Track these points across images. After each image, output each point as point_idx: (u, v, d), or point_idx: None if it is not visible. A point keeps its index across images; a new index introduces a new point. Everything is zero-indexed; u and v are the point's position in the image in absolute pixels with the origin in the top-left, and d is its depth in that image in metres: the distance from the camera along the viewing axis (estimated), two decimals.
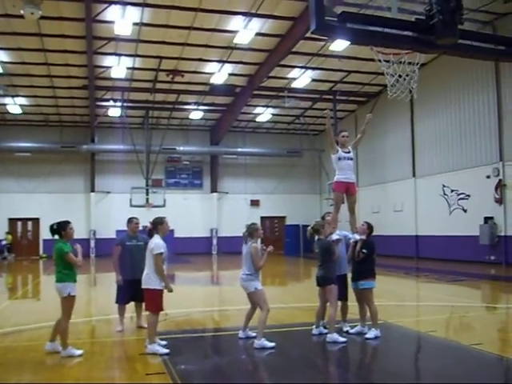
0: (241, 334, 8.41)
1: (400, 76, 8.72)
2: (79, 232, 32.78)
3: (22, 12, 17.69)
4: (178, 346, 8.00)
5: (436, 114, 25.73)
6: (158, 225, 7.87)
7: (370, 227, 8.78)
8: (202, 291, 16.49)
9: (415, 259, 26.52)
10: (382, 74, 10.30)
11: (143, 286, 7.75)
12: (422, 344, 8.68)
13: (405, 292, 15.66)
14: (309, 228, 8.66)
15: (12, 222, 33.51)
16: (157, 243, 7.69)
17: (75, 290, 7.55)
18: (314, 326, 8.64)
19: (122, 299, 9.23)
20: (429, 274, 19.93)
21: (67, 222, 7.69)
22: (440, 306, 12.14)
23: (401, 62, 9.05)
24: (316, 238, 8.53)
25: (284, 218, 37.20)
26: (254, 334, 8.11)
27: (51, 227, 7.68)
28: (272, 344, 7.71)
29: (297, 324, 9.56)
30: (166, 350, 7.51)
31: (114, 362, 7.44)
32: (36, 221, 32.70)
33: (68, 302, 7.47)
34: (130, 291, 8.91)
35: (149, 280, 7.66)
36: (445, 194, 25.09)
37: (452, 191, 24.62)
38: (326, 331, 8.37)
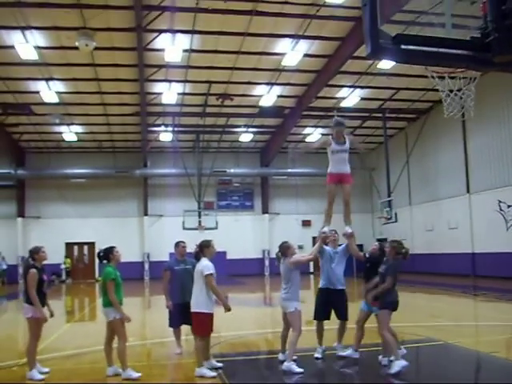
0: (280, 356, 8.26)
1: (456, 94, 8.55)
2: (133, 255, 33.84)
3: (76, 44, 18.39)
4: (234, 368, 8.06)
5: (490, 129, 25.18)
6: (204, 248, 7.90)
7: (381, 249, 8.35)
8: (255, 313, 16.48)
9: (472, 277, 25.85)
10: (432, 90, 10.25)
11: (192, 310, 7.74)
12: (485, 365, 8.42)
13: (463, 311, 15.22)
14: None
15: (68, 246, 34.33)
16: (206, 265, 7.69)
17: (118, 314, 7.62)
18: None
19: (174, 323, 9.28)
20: (487, 293, 19.37)
21: (113, 247, 7.90)
22: (501, 325, 11.74)
23: (453, 78, 8.92)
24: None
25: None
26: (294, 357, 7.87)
27: (98, 254, 7.93)
28: (300, 370, 7.49)
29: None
30: (214, 374, 7.49)
31: None
32: (91, 245, 33.33)
33: (116, 325, 7.61)
34: (182, 314, 8.84)
35: (198, 303, 7.66)
36: (501, 210, 24.46)
37: (509, 207, 23.98)
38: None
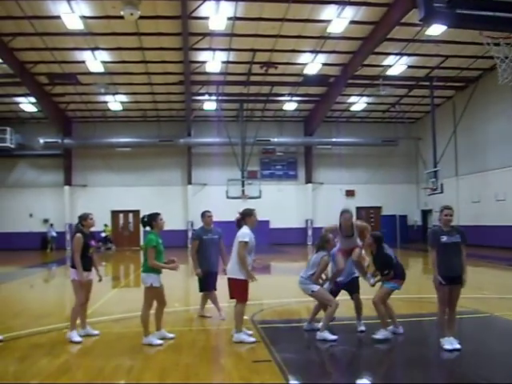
0: (306, 326, 8.38)
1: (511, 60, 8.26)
2: (177, 223, 34.25)
3: (121, 13, 18.46)
4: (279, 335, 8.15)
5: None
6: (246, 216, 7.92)
7: (377, 239, 8.15)
8: (296, 281, 16.49)
9: None
10: (483, 57, 9.92)
11: (228, 276, 7.84)
12: None
13: (509, 284, 14.99)
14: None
15: (114, 214, 35.01)
16: (244, 232, 7.72)
17: (158, 282, 7.74)
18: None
19: (205, 288, 9.62)
20: None
21: (157, 214, 7.94)
22: None
23: (508, 44, 8.61)
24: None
25: (380, 208, 36.56)
26: (319, 326, 7.99)
27: (142, 219, 7.99)
28: (334, 337, 7.61)
29: (399, 315, 9.37)
30: (253, 339, 7.61)
31: (220, 349, 7.65)
32: (136, 213, 33.78)
33: (149, 292, 7.73)
34: (210, 281, 9.49)
35: (233, 270, 7.73)
36: None
37: None
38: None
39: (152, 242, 7.66)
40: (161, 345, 7.54)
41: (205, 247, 9.38)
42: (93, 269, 8.35)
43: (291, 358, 6.89)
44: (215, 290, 9.61)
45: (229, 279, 7.82)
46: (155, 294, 7.75)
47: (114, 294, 13.72)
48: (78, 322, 8.09)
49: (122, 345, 7.69)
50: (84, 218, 8.29)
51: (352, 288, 8.40)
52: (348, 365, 7.16)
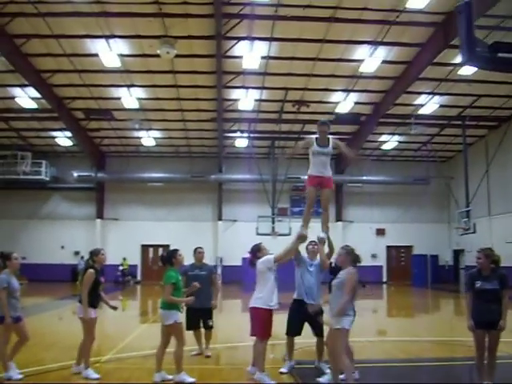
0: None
1: None
2: (206, 259, 33.90)
3: (158, 52, 18.92)
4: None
5: None
6: (257, 251, 8.01)
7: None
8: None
9: None
10: None
11: (251, 305, 7.69)
12: None
13: None
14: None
15: (144, 248, 35.26)
16: (264, 259, 7.71)
17: (179, 318, 7.73)
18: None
19: (190, 325, 9.46)
20: None
21: (176, 250, 8.03)
22: None
23: None
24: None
25: (411, 247, 36.11)
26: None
27: (162, 256, 8.11)
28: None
29: (430, 359, 9.20)
30: (273, 382, 7.41)
31: None
32: (166, 247, 33.86)
33: (173, 329, 7.67)
34: (197, 318, 9.40)
35: (257, 299, 7.61)
36: None
37: None
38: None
39: (172, 279, 7.68)
40: (194, 383, 7.47)
41: (189, 283, 8.89)
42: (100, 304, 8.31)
43: None
44: (204, 328, 9.53)
45: (251, 309, 7.69)
46: (179, 331, 7.72)
47: (144, 330, 13.70)
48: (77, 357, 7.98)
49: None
50: (96, 253, 8.20)
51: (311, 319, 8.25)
52: None
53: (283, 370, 8.26)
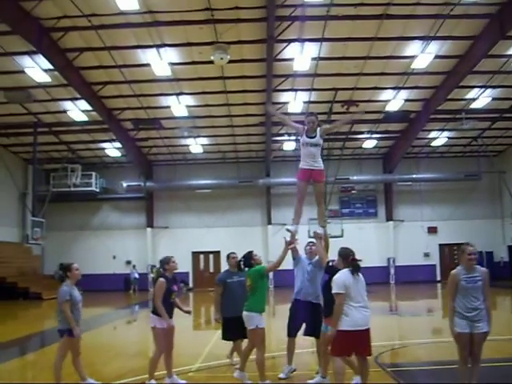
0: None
1: None
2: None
3: (211, 58, 18.94)
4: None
5: None
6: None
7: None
8: (383, 321, 15.95)
9: None
10: None
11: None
12: None
13: None
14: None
15: (195, 255, 35.30)
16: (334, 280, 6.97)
17: (262, 322, 7.55)
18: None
19: (228, 337, 8.87)
20: None
21: (250, 252, 8.03)
22: None
23: None
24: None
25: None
26: None
27: (238, 262, 8.18)
28: None
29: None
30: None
31: None
32: (217, 254, 33.99)
33: (254, 334, 7.54)
34: (235, 328, 8.39)
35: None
36: None
37: None
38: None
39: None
40: None
41: (229, 291, 8.59)
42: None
43: None
44: (243, 338, 8.43)
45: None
46: (262, 336, 7.60)
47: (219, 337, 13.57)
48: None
49: None
50: (166, 261, 8.11)
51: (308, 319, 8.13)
52: None
53: (282, 375, 8.15)
